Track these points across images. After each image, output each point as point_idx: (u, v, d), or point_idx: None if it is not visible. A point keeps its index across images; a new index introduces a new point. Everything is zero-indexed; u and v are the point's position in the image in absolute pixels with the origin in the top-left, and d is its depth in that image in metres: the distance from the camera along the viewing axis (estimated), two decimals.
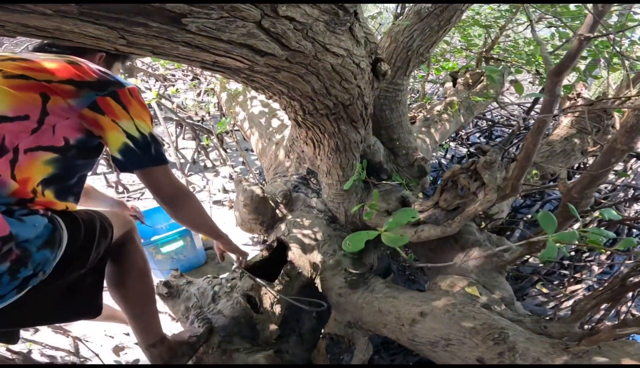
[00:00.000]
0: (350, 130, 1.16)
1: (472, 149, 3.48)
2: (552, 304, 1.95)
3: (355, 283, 1.32)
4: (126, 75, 2.77)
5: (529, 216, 2.50)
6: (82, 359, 1.48)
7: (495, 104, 4.18)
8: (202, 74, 4.09)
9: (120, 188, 2.63)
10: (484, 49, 2.41)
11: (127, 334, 1.61)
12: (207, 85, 3.72)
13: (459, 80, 2.38)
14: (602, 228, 0.78)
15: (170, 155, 3.10)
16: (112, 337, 1.59)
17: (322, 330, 1.49)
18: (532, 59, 2.27)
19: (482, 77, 2.34)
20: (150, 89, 2.79)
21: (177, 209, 0.90)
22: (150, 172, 0.83)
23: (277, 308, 1.29)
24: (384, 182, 1.49)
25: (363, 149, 1.38)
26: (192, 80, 4.14)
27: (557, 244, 0.71)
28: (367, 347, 1.34)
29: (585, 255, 2.27)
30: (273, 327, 1.23)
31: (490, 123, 3.79)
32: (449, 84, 2.41)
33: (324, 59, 0.78)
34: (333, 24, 0.72)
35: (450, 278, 1.24)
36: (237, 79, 0.81)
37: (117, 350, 1.52)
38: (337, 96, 0.96)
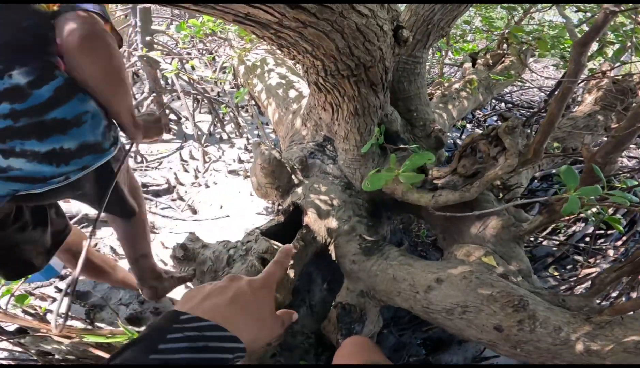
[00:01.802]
0: (370, 94, 1.16)
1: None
2: (563, 287, 1.94)
3: (370, 250, 1.33)
4: (147, 49, 2.80)
5: (545, 197, 2.47)
6: (96, 327, 1.53)
7: (514, 88, 4.09)
8: (215, 51, 4.10)
9: (139, 158, 2.69)
10: (507, 31, 2.35)
11: (142, 303, 1.67)
12: (224, 60, 3.73)
13: (479, 61, 2.33)
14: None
15: (187, 127, 3.15)
16: (127, 307, 1.65)
17: (333, 302, 1.51)
18: (557, 43, 2.21)
19: (503, 58, 2.29)
20: (170, 63, 2.81)
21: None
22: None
23: (291, 273, 1.30)
24: (401, 147, 1.49)
25: (381, 117, 1.39)
26: (208, 56, 4.16)
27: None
28: (377, 319, 1.35)
29: (600, 240, 2.25)
30: (285, 292, 1.24)
31: (509, 105, 3.72)
32: (468, 64, 2.37)
33: (349, 17, 0.81)
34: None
35: (466, 247, 1.24)
36: (265, 33, 0.83)
37: (131, 318, 1.57)
38: (360, 57, 0.97)
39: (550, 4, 2.12)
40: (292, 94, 2.00)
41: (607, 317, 0.80)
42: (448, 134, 2.18)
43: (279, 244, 1.34)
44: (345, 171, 1.52)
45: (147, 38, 2.80)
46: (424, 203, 1.27)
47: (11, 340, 0.86)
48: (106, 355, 0.71)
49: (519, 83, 2.77)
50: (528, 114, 3.63)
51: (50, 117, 0.74)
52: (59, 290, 1.65)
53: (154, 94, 2.93)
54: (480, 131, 1.24)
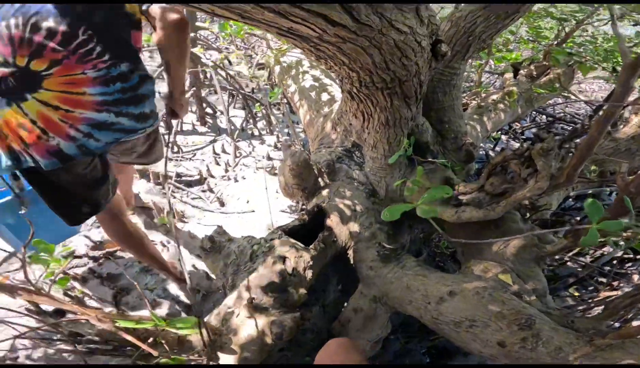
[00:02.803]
0: (403, 106, 1.17)
1: (525, 145, 3.30)
2: (580, 308, 1.89)
3: (388, 257, 1.35)
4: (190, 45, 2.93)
5: (577, 218, 2.37)
6: (121, 310, 1.63)
7: (557, 100, 3.89)
8: (253, 49, 4.21)
9: (175, 148, 2.83)
10: (556, 42, 2.25)
11: (167, 289, 1.76)
12: (260, 58, 3.82)
13: (521, 71, 2.25)
14: None
15: (221, 122, 3.27)
16: (152, 292, 1.74)
17: (345, 304, 1.53)
18: (611, 56, 2.09)
19: (549, 70, 2.20)
20: (209, 59, 2.94)
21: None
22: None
23: (309, 274, 1.34)
24: (429, 160, 1.49)
25: (411, 127, 1.39)
26: (245, 54, 4.28)
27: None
28: (386, 325, 1.38)
29: (628, 264, 2.14)
30: (302, 291, 1.28)
31: (550, 119, 3.55)
32: (509, 75, 2.29)
33: (388, 34, 0.83)
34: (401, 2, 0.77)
35: (484, 263, 1.24)
36: (304, 46, 0.87)
37: (155, 304, 1.67)
38: (395, 71, 0.99)
39: (607, 20, 2.01)
40: (325, 97, 2.03)
41: (610, 340, 0.79)
42: (481, 145, 2.13)
43: (301, 245, 1.38)
44: (371, 178, 1.53)
45: (192, 34, 2.93)
46: (446, 218, 1.27)
47: (49, 324, 0.96)
48: (132, 339, 0.77)
49: (564, 95, 2.64)
50: (570, 129, 3.46)
51: (140, 92, 1.12)
52: (93, 272, 1.78)
53: (194, 88, 3.06)
54: (515, 144, 1.22)
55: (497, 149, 3.38)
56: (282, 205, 2.33)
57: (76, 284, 1.70)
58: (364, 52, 0.86)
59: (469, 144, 1.66)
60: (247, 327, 1.15)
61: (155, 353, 0.79)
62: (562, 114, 3.79)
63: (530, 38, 2.57)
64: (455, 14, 1.33)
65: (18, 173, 1.23)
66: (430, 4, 1.00)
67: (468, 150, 1.65)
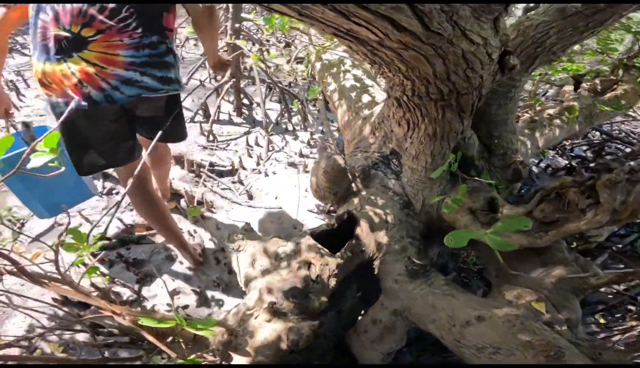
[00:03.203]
0: (455, 119, 1.08)
1: (573, 162, 3.05)
2: (602, 335, 1.74)
3: (415, 273, 1.30)
4: (234, 36, 2.94)
5: (619, 245, 2.18)
6: (142, 299, 1.66)
7: (618, 117, 3.56)
8: (293, 42, 4.18)
9: (211, 137, 2.86)
10: (627, 56, 2.03)
11: (188, 279, 1.77)
12: (300, 52, 3.79)
13: (584, 84, 2.06)
14: None
15: (257, 113, 3.28)
16: (173, 280, 1.76)
17: (363, 311, 1.49)
18: None
19: (615, 86, 2.00)
20: (251, 51, 2.94)
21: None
22: None
23: (333, 282, 1.30)
24: (474, 178, 1.39)
25: (458, 140, 1.29)
26: (284, 47, 4.26)
27: None
28: (402, 338, 1.34)
29: None
30: (324, 299, 1.25)
31: (605, 137, 3.26)
32: (569, 88, 2.11)
33: (458, 44, 0.74)
34: (481, 10, 0.69)
35: (519, 289, 1.18)
36: (361, 49, 0.80)
37: (174, 293, 1.69)
38: (456, 83, 0.90)
39: None
40: (365, 98, 1.95)
41: None
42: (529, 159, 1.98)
43: (327, 251, 1.34)
44: (408, 190, 1.45)
45: (237, 25, 2.94)
46: (486, 241, 1.19)
47: (75, 317, 0.98)
48: (152, 339, 0.76)
49: (627, 114, 2.41)
50: (627, 150, 3.16)
51: (165, 60, 1.31)
52: (120, 256, 1.82)
53: (234, 79, 3.07)
54: (563, 161, 1.12)
55: (542, 165, 3.15)
56: (310, 205, 2.29)
57: (103, 268, 1.75)
58: (425, 61, 0.78)
59: (519, 162, 1.54)
60: (264, 330, 1.14)
61: (173, 355, 0.78)
62: (617, 132, 3.47)
63: (599, 50, 2.35)
64: (524, 22, 1.22)
65: (30, 122, 1.49)
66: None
67: (517, 169, 1.53)
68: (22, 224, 1.97)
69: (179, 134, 1.63)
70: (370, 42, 0.72)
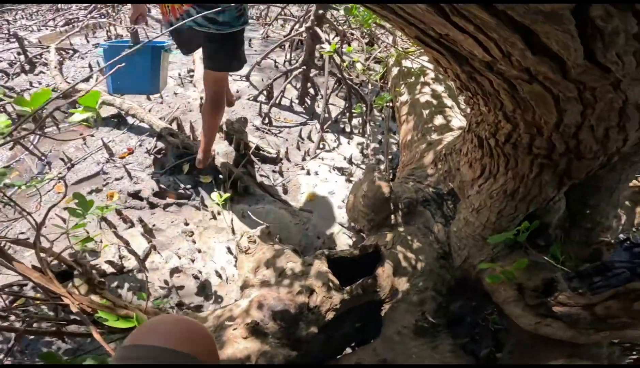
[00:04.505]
0: (551, 185, 0.82)
1: None
2: None
3: (423, 331, 1.12)
4: (315, 22, 2.82)
5: None
6: (145, 269, 1.63)
7: None
8: (375, 40, 3.95)
9: (267, 120, 2.80)
10: None
11: (193, 260, 1.71)
12: (380, 52, 3.56)
13: None
14: None
15: (318, 106, 3.15)
16: (180, 258, 1.71)
17: (353, 344, 1.35)
18: None
19: None
20: (329, 42, 2.80)
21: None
22: None
23: (330, 316, 1.15)
24: (540, 248, 1.12)
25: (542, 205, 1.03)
26: (367, 44, 4.05)
27: None
28: None
29: None
30: (313, 330, 1.12)
31: None
32: None
33: (624, 91, 0.48)
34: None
35: None
36: (453, 67, 0.57)
37: (173, 272, 1.64)
38: (584, 142, 0.64)
39: None
40: (438, 120, 1.71)
41: None
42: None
43: (336, 283, 1.19)
44: (453, 241, 1.22)
45: (320, 11, 2.81)
46: (521, 324, 1.00)
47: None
48: (99, 338, 0.66)
49: None
50: None
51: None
52: (141, 221, 1.80)
53: (304, 67, 2.97)
54: None
55: (621, 235, 2.61)
56: (342, 218, 2.11)
57: (120, 227, 1.75)
58: (552, 105, 0.53)
59: (605, 243, 1.23)
60: (237, 345, 1.03)
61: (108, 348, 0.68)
62: None
63: None
64: None
65: (136, 30, 1.74)
66: None
67: (599, 250, 1.23)
68: (72, 164, 2.07)
69: (218, 65, 1.82)
70: (471, 61, 0.49)
